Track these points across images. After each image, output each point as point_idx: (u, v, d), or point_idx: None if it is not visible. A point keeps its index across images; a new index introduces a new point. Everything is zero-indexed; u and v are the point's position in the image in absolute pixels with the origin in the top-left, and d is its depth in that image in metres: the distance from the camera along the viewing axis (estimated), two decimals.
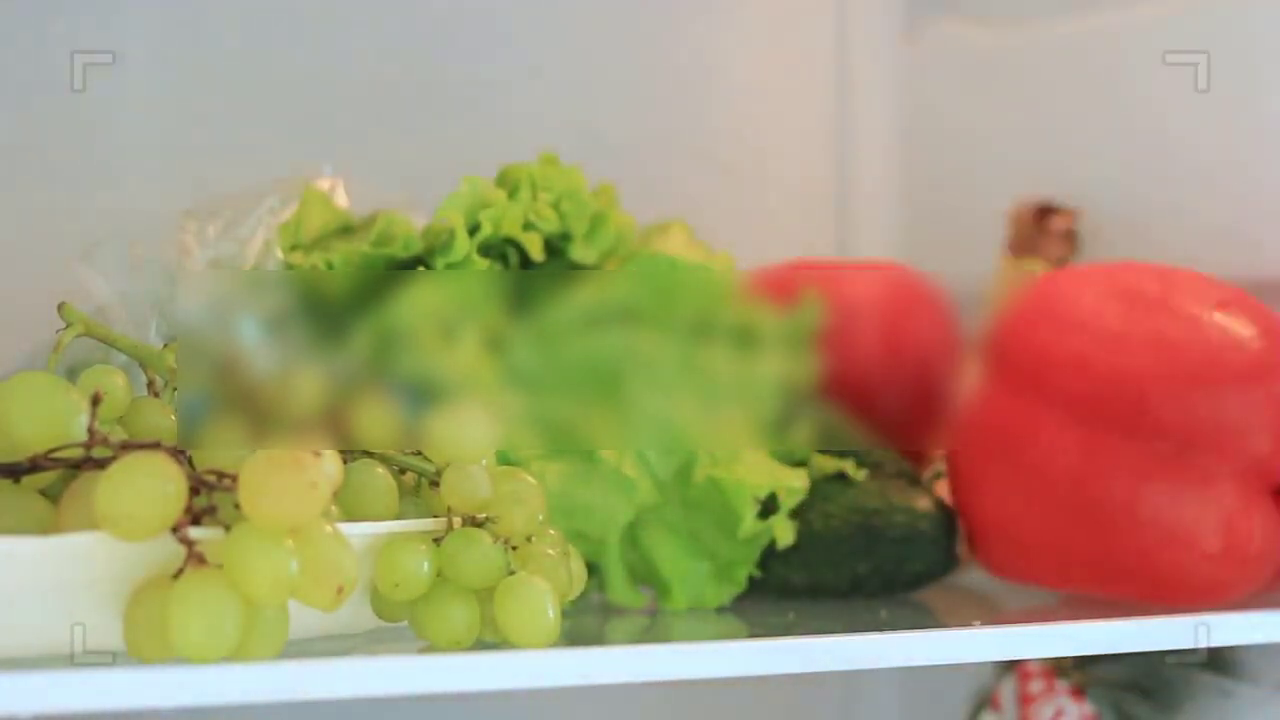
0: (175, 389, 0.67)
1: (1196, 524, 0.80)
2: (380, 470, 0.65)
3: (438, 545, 0.63)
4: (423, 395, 0.67)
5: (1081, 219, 1.05)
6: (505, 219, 0.80)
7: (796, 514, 0.84)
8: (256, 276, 0.80)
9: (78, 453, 0.60)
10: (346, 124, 1.03)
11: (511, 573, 0.64)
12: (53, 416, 0.60)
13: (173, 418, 0.64)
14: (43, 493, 0.60)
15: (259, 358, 0.62)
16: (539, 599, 0.63)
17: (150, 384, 0.68)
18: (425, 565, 0.63)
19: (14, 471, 0.60)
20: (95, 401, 0.60)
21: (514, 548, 0.64)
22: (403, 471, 0.67)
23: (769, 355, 0.83)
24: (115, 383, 0.63)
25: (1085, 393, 0.82)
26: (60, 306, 0.67)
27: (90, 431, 0.60)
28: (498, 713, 1.02)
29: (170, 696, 0.55)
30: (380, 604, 0.64)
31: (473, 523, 0.64)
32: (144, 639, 0.56)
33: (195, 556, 0.56)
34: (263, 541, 0.56)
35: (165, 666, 0.56)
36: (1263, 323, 0.82)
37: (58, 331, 0.66)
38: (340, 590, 0.58)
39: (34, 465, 0.60)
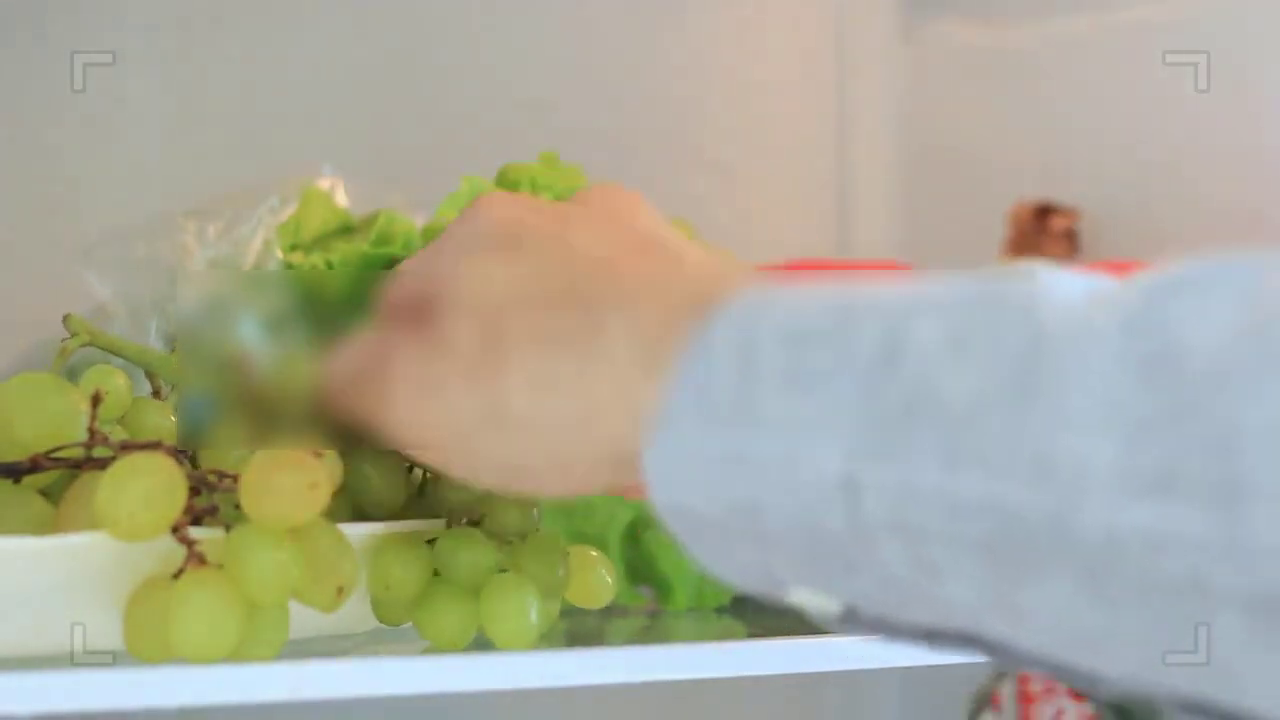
0: None
1: None
2: (380, 470, 0.65)
3: (431, 546, 0.63)
4: None
5: (1081, 219, 1.05)
6: None
7: None
8: (256, 276, 0.80)
9: (78, 453, 0.60)
10: (346, 124, 1.03)
11: (503, 571, 0.63)
12: (53, 416, 0.60)
13: (173, 418, 0.64)
14: (43, 493, 0.60)
15: (259, 357, 0.62)
16: (520, 599, 0.63)
17: (154, 385, 0.69)
18: (414, 567, 0.62)
19: (14, 471, 0.60)
20: (95, 401, 0.60)
21: (508, 543, 0.64)
22: (410, 469, 0.67)
23: None
24: (116, 383, 0.63)
25: None
26: (66, 318, 0.67)
27: (90, 431, 0.60)
28: (497, 713, 1.02)
29: (170, 696, 0.55)
30: (380, 606, 0.64)
31: (469, 521, 0.64)
32: (144, 639, 0.56)
33: (195, 556, 0.56)
34: (263, 541, 0.56)
35: (165, 666, 0.56)
36: None
37: (62, 341, 0.66)
38: (340, 590, 0.58)
39: (34, 465, 0.60)
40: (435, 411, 0.53)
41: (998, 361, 0.45)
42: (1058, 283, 0.46)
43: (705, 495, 0.48)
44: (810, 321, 0.47)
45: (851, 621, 0.49)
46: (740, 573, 0.49)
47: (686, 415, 0.48)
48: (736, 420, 0.47)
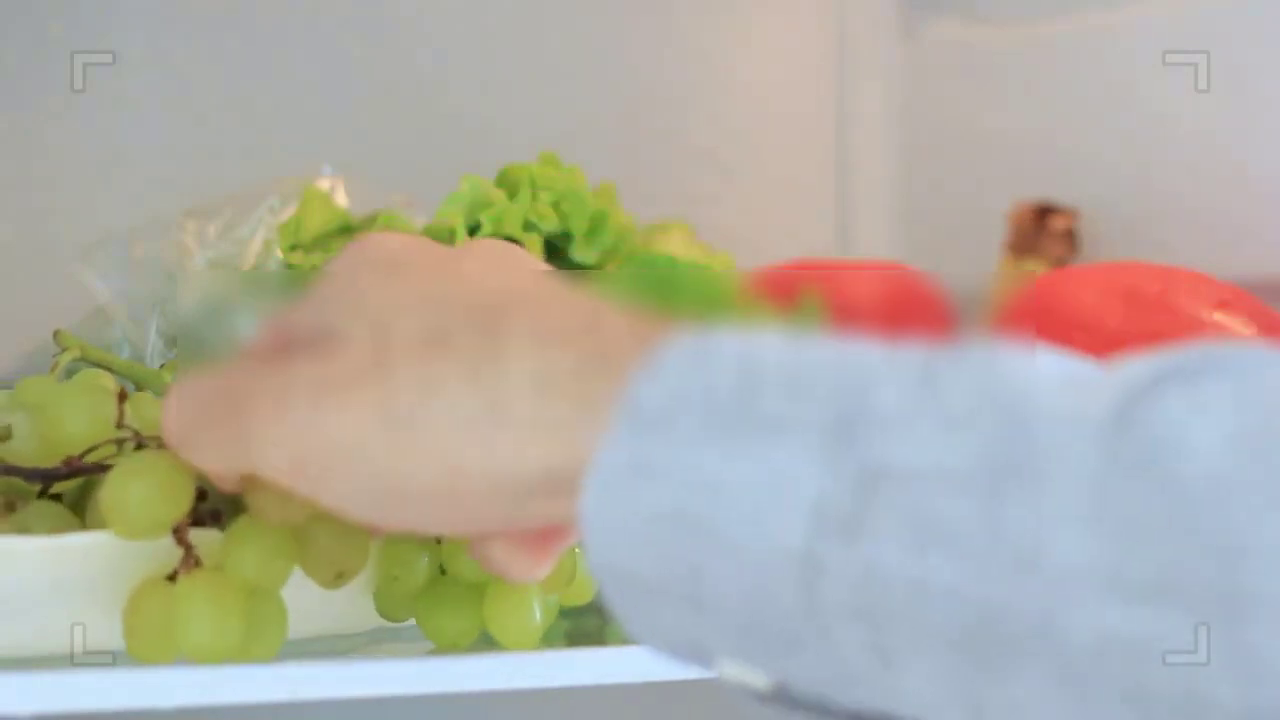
0: None
1: None
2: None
3: (439, 543, 0.63)
4: None
5: (1081, 219, 1.05)
6: (505, 219, 0.80)
7: None
8: (256, 276, 0.80)
9: (110, 450, 0.59)
10: (346, 124, 1.03)
11: None
12: (97, 418, 0.60)
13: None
14: (59, 498, 0.60)
15: None
16: (523, 599, 0.63)
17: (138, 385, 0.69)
18: (423, 558, 0.63)
19: (50, 476, 0.59)
20: (122, 398, 0.59)
21: None
22: None
23: None
24: (105, 384, 0.64)
25: None
26: (55, 334, 0.68)
27: (121, 428, 0.59)
28: (497, 713, 1.02)
29: (170, 696, 0.55)
30: (384, 602, 0.64)
31: None
32: (144, 639, 0.56)
33: (192, 559, 0.56)
34: (263, 538, 0.56)
35: (165, 666, 0.56)
36: (1263, 323, 0.82)
37: (54, 355, 0.67)
38: (340, 575, 0.58)
39: (68, 466, 0.59)
40: (316, 420, 0.48)
41: (968, 438, 0.41)
42: (1034, 363, 0.42)
43: (643, 553, 0.43)
44: (763, 376, 0.43)
45: (780, 699, 0.46)
46: (664, 638, 0.45)
47: (624, 465, 0.43)
48: (683, 474, 0.43)
